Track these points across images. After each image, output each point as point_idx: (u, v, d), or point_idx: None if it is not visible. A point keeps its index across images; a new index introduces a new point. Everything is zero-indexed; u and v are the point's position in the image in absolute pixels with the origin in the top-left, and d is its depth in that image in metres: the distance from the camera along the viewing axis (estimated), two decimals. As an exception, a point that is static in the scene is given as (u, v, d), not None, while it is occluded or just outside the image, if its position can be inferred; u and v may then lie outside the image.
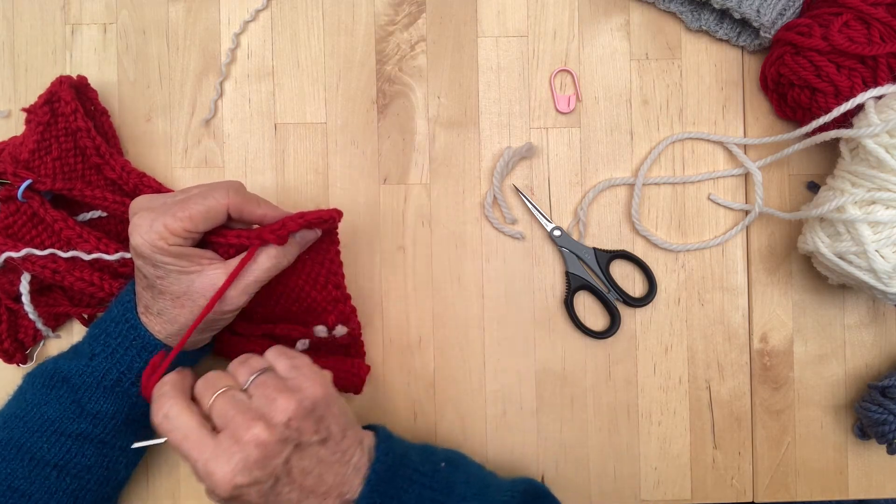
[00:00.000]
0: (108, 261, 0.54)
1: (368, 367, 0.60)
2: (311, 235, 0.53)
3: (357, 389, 0.59)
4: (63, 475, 0.50)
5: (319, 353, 0.59)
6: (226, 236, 0.51)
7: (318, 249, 0.55)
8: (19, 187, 0.53)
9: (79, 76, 0.58)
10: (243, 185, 0.52)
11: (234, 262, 0.50)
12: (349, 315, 0.57)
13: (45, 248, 0.54)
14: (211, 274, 0.49)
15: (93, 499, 0.52)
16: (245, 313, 0.57)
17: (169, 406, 0.46)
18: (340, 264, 0.56)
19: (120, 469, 0.53)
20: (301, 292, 0.56)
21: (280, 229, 0.50)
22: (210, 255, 0.50)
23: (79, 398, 0.50)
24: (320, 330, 0.56)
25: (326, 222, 0.52)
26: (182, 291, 0.49)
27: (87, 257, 0.54)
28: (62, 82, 0.56)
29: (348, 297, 0.56)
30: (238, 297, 0.50)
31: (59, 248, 0.55)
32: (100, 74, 0.61)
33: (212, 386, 0.47)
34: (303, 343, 0.58)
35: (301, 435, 0.46)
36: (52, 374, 0.51)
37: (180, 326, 0.50)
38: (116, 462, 0.52)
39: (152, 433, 0.57)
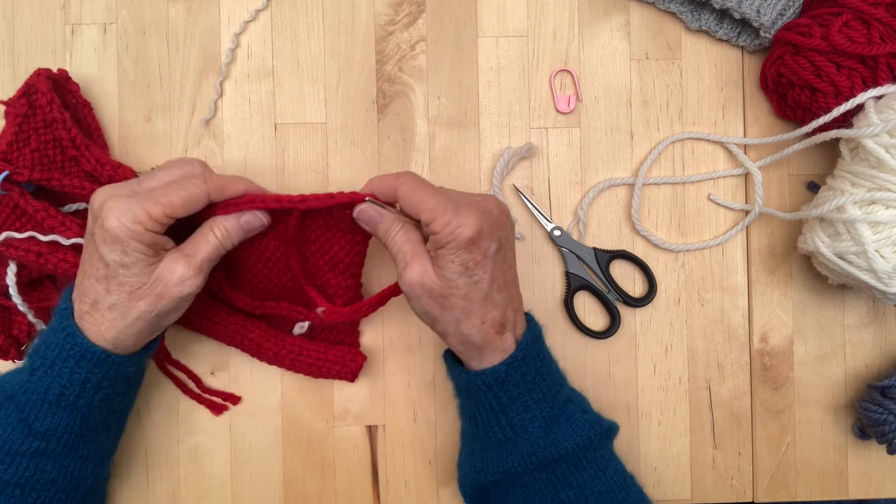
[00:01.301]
0: None
1: (364, 357, 0.59)
2: (256, 223, 0.52)
3: (352, 377, 0.59)
4: (28, 491, 0.49)
5: (315, 340, 0.59)
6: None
7: (351, 240, 0.56)
8: None
9: (59, 69, 0.58)
10: (207, 164, 0.52)
11: (188, 246, 0.50)
12: (354, 298, 0.58)
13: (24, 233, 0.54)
14: (167, 259, 0.49)
15: None
16: (249, 287, 0.57)
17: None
18: (364, 256, 0.57)
19: (86, 476, 0.51)
20: (319, 272, 0.56)
21: (234, 206, 0.51)
22: (170, 243, 0.50)
23: (25, 416, 0.48)
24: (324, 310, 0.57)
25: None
26: (142, 282, 0.48)
27: (66, 242, 0.54)
28: (39, 74, 0.56)
29: (360, 286, 0.58)
30: (194, 278, 0.49)
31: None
32: (100, 74, 0.61)
33: None
34: (301, 326, 0.58)
35: (507, 232, 0.51)
36: None
37: (131, 321, 0.48)
38: (81, 470, 0.51)
39: (115, 433, 0.55)
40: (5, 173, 0.53)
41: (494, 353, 0.50)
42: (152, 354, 0.54)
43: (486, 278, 0.48)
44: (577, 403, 0.53)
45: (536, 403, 0.51)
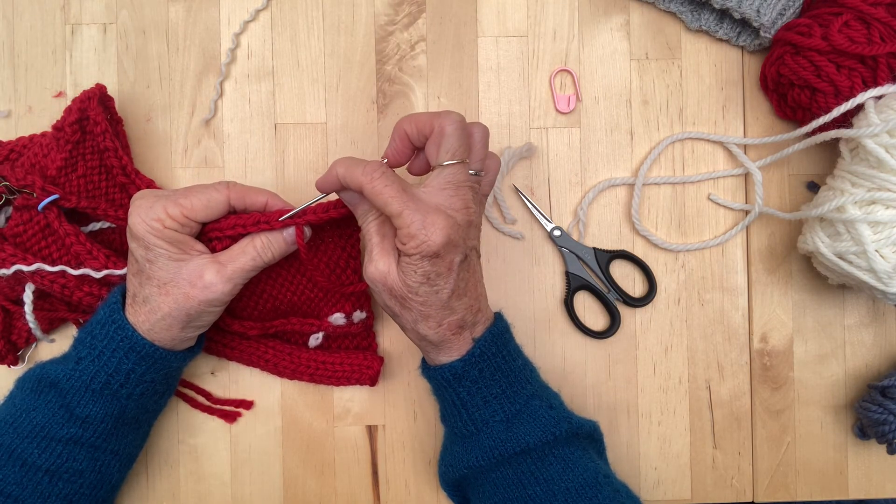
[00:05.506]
0: (116, 277, 0.54)
1: (380, 360, 0.60)
2: (290, 240, 0.53)
3: (372, 382, 0.59)
4: (55, 480, 0.50)
5: (330, 349, 0.59)
6: (222, 229, 0.51)
7: (342, 234, 0.56)
8: (42, 200, 0.53)
9: (98, 85, 0.57)
10: (236, 182, 0.53)
11: (224, 254, 0.51)
12: (365, 301, 0.58)
13: (52, 260, 0.54)
14: (198, 261, 0.50)
15: (87, 503, 0.52)
16: (257, 312, 0.57)
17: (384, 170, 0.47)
18: (359, 252, 0.57)
19: (113, 473, 0.53)
20: (321, 275, 0.56)
21: (281, 218, 0.51)
22: (201, 247, 0.51)
23: (67, 402, 0.50)
24: (338, 317, 0.57)
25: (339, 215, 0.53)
26: (169, 278, 0.50)
27: (97, 275, 0.54)
28: (91, 98, 0.56)
29: (365, 284, 0.57)
30: (222, 285, 0.50)
31: (68, 262, 0.54)
32: (100, 74, 0.61)
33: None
34: (316, 338, 0.58)
35: (474, 238, 0.50)
36: (39, 378, 0.51)
37: (162, 316, 0.50)
38: (109, 466, 0.52)
39: (143, 435, 0.56)
40: (55, 196, 0.53)
41: (451, 350, 0.51)
42: (192, 359, 0.56)
43: (448, 288, 0.48)
44: (544, 399, 0.53)
45: (496, 399, 0.51)
